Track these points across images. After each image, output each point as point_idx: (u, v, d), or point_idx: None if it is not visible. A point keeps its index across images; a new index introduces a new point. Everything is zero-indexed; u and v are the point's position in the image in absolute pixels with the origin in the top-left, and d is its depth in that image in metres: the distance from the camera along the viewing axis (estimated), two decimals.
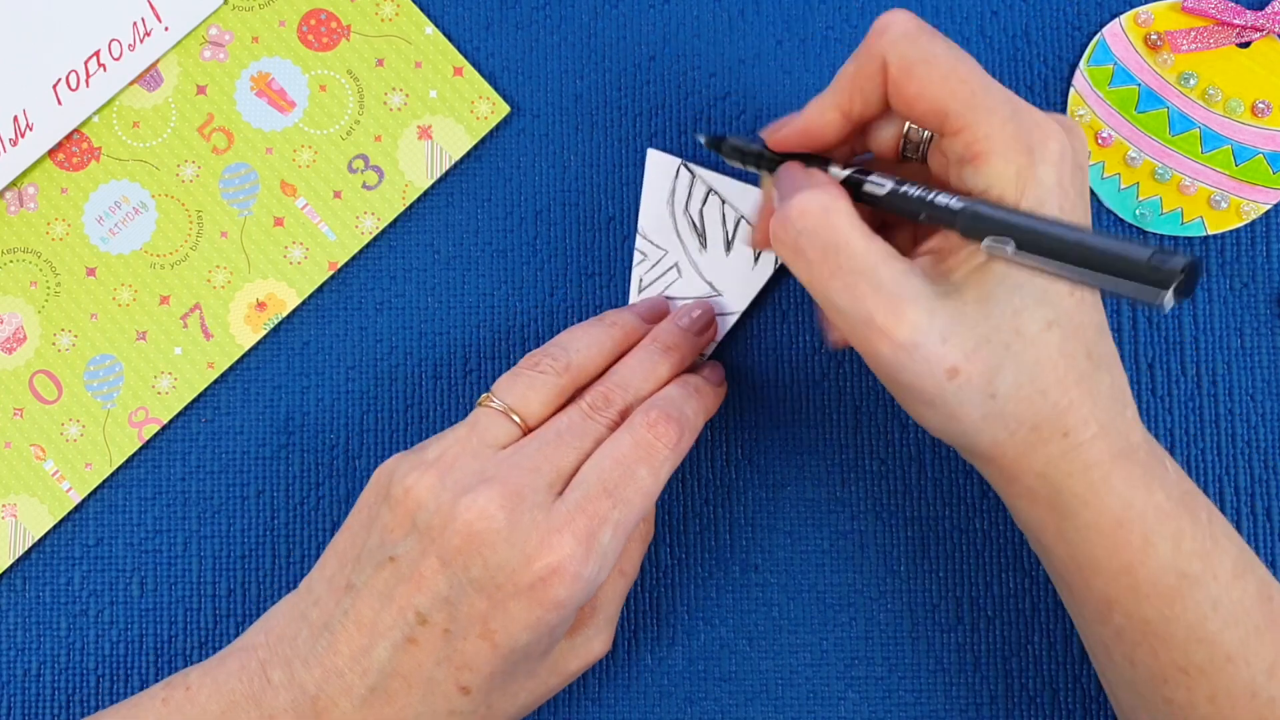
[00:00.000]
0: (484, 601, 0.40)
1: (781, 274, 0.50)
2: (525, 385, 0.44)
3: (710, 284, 0.49)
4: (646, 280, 0.49)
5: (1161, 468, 0.41)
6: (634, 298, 0.49)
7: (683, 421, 0.43)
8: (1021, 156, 0.38)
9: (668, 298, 0.49)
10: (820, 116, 0.42)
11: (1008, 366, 0.38)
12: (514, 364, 0.50)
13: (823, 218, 0.39)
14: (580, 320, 0.50)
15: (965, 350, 0.38)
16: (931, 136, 0.42)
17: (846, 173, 0.42)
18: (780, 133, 0.43)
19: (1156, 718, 0.42)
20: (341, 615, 0.42)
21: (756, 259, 0.49)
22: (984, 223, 0.37)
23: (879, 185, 0.41)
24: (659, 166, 0.50)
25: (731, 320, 0.49)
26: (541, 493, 0.41)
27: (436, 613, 0.41)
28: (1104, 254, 0.34)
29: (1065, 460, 0.40)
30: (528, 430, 0.43)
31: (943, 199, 0.39)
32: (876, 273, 0.38)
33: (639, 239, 0.50)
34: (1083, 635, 0.44)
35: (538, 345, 0.50)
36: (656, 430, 0.42)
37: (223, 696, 0.42)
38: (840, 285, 0.39)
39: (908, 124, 0.42)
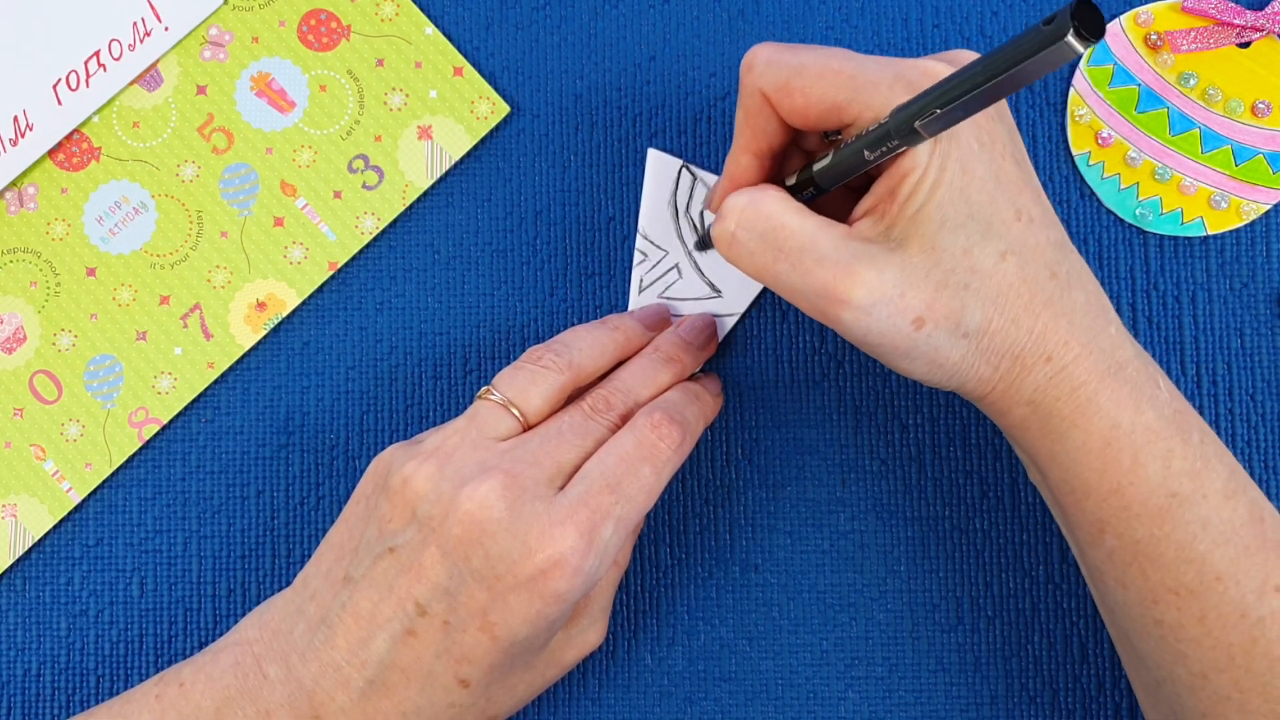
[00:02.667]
0: (484, 593, 0.40)
1: None
2: (526, 379, 0.44)
3: (710, 284, 0.49)
4: (647, 280, 0.49)
5: (1153, 386, 0.41)
6: (634, 297, 0.49)
7: (685, 425, 0.43)
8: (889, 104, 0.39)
9: (668, 299, 0.49)
10: (738, 167, 0.43)
11: (972, 304, 0.39)
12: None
13: (752, 207, 0.40)
14: (580, 320, 0.50)
15: (925, 299, 0.39)
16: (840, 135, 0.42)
17: (794, 176, 0.43)
18: (714, 199, 0.45)
19: (1148, 641, 0.42)
20: (339, 608, 0.41)
21: None
22: (907, 111, 0.37)
23: (824, 158, 0.42)
24: (660, 167, 0.50)
25: (732, 321, 0.49)
26: (543, 486, 0.41)
27: (436, 604, 0.40)
28: (1007, 52, 0.34)
29: (1052, 385, 0.40)
30: (527, 426, 0.43)
31: (871, 127, 0.39)
32: (818, 244, 0.39)
33: (639, 239, 0.50)
34: (1079, 562, 0.44)
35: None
36: (660, 431, 0.42)
37: (217, 692, 0.42)
38: (787, 266, 0.39)
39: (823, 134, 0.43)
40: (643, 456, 0.42)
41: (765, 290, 0.50)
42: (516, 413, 0.43)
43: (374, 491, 0.43)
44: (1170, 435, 0.40)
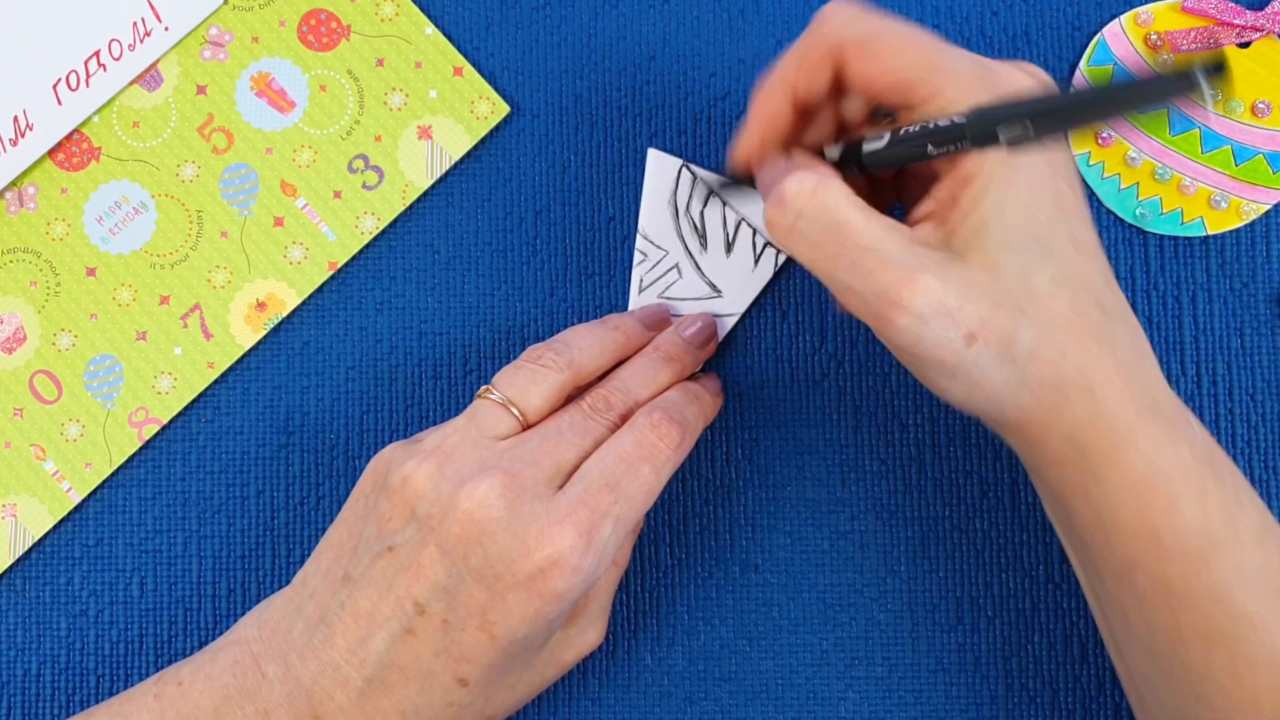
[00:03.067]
0: (483, 592, 0.40)
1: (782, 274, 0.50)
2: (526, 378, 0.44)
3: (711, 284, 0.49)
4: (647, 280, 0.49)
5: (1186, 424, 0.40)
6: (634, 298, 0.49)
7: (684, 424, 0.43)
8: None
9: (667, 299, 0.49)
10: (770, 110, 0.42)
11: (1024, 328, 0.38)
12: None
13: (817, 198, 0.39)
14: (580, 320, 0.50)
15: (981, 315, 0.38)
16: (894, 114, 0.42)
17: (839, 147, 0.42)
18: (736, 154, 0.43)
19: (1170, 683, 0.41)
20: (338, 607, 0.41)
21: (757, 260, 0.49)
22: (991, 114, 0.36)
23: (878, 139, 0.40)
24: (660, 167, 0.50)
25: (732, 321, 0.49)
26: (542, 485, 0.41)
27: (435, 603, 0.40)
28: (1125, 92, 0.33)
29: (1092, 420, 0.39)
30: (526, 425, 0.43)
31: (943, 121, 0.38)
32: (882, 246, 0.38)
33: (639, 239, 0.50)
34: (1098, 603, 0.43)
35: None
36: (660, 430, 0.42)
37: (216, 691, 0.42)
38: (847, 263, 0.38)
39: (874, 107, 0.42)
40: (642, 456, 0.42)
41: (765, 290, 0.50)
42: (516, 412, 0.43)
43: (373, 490, 0.43)
44: (1205, 475, 0.39)
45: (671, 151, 0.50)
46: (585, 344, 0.45)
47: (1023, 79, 0.39)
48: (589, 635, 0.45)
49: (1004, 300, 0.38)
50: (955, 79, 0.38)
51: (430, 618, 0.41)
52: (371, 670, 0.41)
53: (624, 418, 0.44)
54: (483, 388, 0.44)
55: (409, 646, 0.41)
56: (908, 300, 0.38)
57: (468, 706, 0.42)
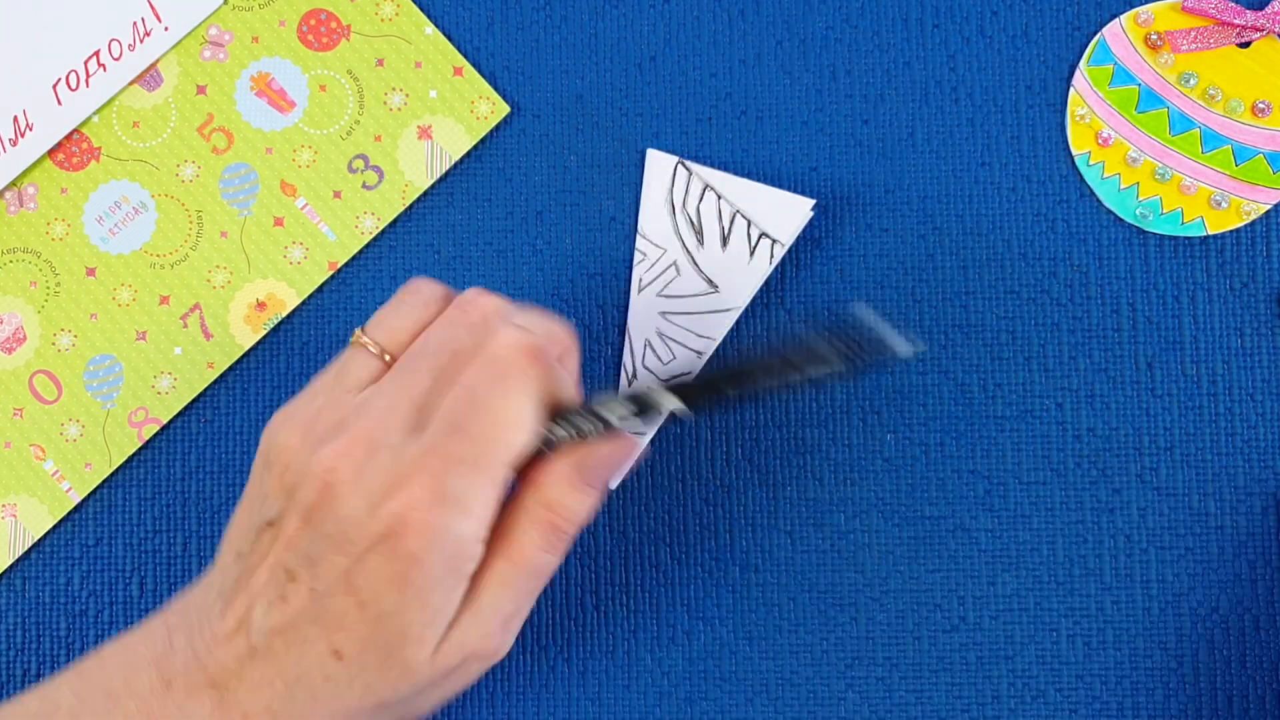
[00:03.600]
0: (341, 557, 0.39)
1: (780, 269, 0.50)
2: (390, 313, 0.43)
3: (708, 280, 0.49)
4: (646, 279, 0.49)
5: None
6: (634, 297, 0.49)
7: (546, 344, 0.41)
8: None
9: (667, 296, 0.49)
10: None
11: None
12: None
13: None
14: (580, 321, 0.50)
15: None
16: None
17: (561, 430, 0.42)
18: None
19: None
20: (233, 583, 0.41)
21: (752, 252, 0.49)
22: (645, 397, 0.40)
23: (554, 431, 0.41)
24: (658, 165, 0.50)
25: (733, 316, 0.49)
26: (397, 434, 0.39)
27: (303, 570, 0.40)
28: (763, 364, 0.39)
29: None
30: (390, 362, 0.42)
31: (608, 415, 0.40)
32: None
33: (639, 239, 0.50)
34: None
35: None
36: (509, 349, 0.40)
37: (129, 661, 0.42)
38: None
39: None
40: (491, 378, 0.39)
41: (765, 286, 0.50)
42: (375, 349, 0.42)
43: (261, 465, 0.42)
44: None
45: (672, 152, 0.50)
46: (449, 287, 0.44)
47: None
48: (470, 638, 0.40)
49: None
50: None
51: (299, 585, 0.40)
52: (257, 638, 0.41)
53: (485, 319, 0.41)
54: (356, 330, 0.43)
55: (283, 613, 0.40)
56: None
57: (346, 685, 0.40)
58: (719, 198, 0.49)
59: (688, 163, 0.49)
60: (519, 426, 0.40)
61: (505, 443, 0.39)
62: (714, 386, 0.40)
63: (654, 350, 0.49)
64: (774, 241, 0.49)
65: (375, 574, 0.39)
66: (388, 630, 0.40)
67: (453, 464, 0.38)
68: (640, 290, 0.50)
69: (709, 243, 0.49)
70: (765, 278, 0.49)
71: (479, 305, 0.42)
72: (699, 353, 0.49)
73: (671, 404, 0.40)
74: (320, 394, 0.42)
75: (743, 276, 0.49)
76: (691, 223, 0.49)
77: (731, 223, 0.49)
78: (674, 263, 0.49)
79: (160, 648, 0.42)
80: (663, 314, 0.50)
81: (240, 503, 0.43)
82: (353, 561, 0.39)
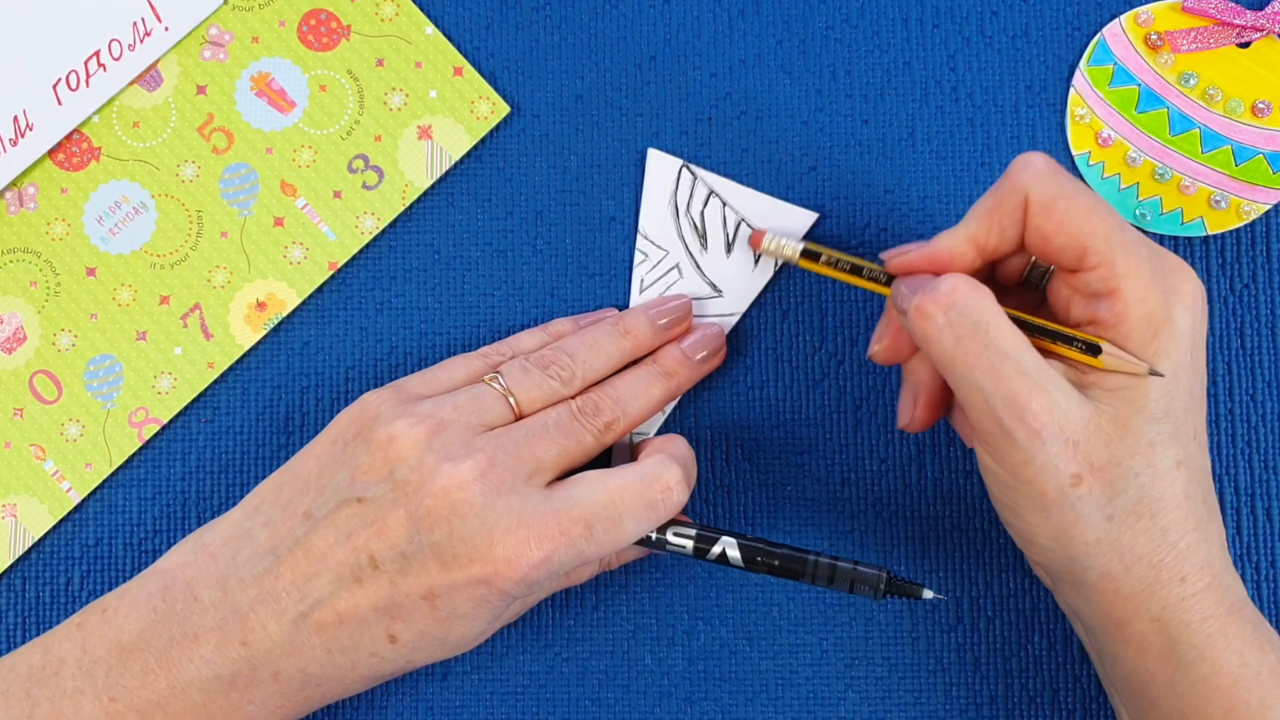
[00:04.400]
0: (437, 567, 0.41)
1: (781, 275, 0.50)
2: (533, 384, 0.45)
3: (712, 284, 0.49)
4: (648, 280, 0.49)
5: (1268, 629, 0.41)
6: (634, 298, 0.49)
7: (689, 488, 0.44)
8: (1156, 296, 0.39)
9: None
10: (953, 248, 0.42)
11: (1131, 491, 0.39)
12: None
13: (975, 298, 0.39)
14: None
15: (1095, 461, 0.39)
16: (1051, 270, 0.43)
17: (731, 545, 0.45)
18: (905, 257, 0.43)
19: None
20: (292, 542, 0.42)
21: (757, 260, 0.49)
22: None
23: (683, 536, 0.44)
24: (660, 167, 0.50)
25: (733, 321, 0.49)
26: (520, 480, 0.42)
27: (389, 563, 0.41)
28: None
29: (1182, 607, 0.39)
30: (518, 417, 0.44)
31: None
32: (1022, 358, 0.39)
33: (640, 239, 0.50)
34: None
35: None
36: (670, 494, 0.43)
37: (141, 615, 0.43)
38: (985, 364, 0.39)
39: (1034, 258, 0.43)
40: (634, 509, 0.42)
41: (765, 290, 0.50)
42: (513, 403, 0.44)
43: (354, 437, 0.43)
44: None
45: (672, 152, 0.50)
46: (592, 357, 0.46)
47: (1190, 277, 0.40)
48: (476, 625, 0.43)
49: (1123, 459, 0.39)
50: (1127, 258, 0.39)
51: (380, 574, 0.41)
52: (308, 606, 0.41)
53: (609, 425, 0.45)
54: (491, 373, 0.45)
55: (352, 595, 0.41)
56: (1034, 411, 0.38)
57: (390, 661, 0.43)
58: (724, 204, 0.49)
59: (693, 167, 0.49)
60: (629, 544, 0.43)
61: (617, 548, 0.42)
62: (768, 557, 0.44)
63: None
64: None
65: (459, 590, 0.41)
66: (450, 630, 0.42)
67: (569, 545, 0.41)
68: (642, 291, 0.50)
69: (713, 248, 0.49)
70: (767, 285, 0.49)
71: (613, 405, 0.45)
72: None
73: (731, 550, 0.44)
74: (451, 410, 0.43)
75: (746, 282, 0.49)
76: (695, 227, 0.49)
77: (736, 230, 0.49)
78: (676, 265, 0.49)
79: (181, 603, 0.42)
80: None
81: (307, 459, 0.44)
82: (447, 577, 0.41)
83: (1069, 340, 0.41)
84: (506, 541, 0.40)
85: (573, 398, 0.45)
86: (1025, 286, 0.44)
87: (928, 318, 0.40)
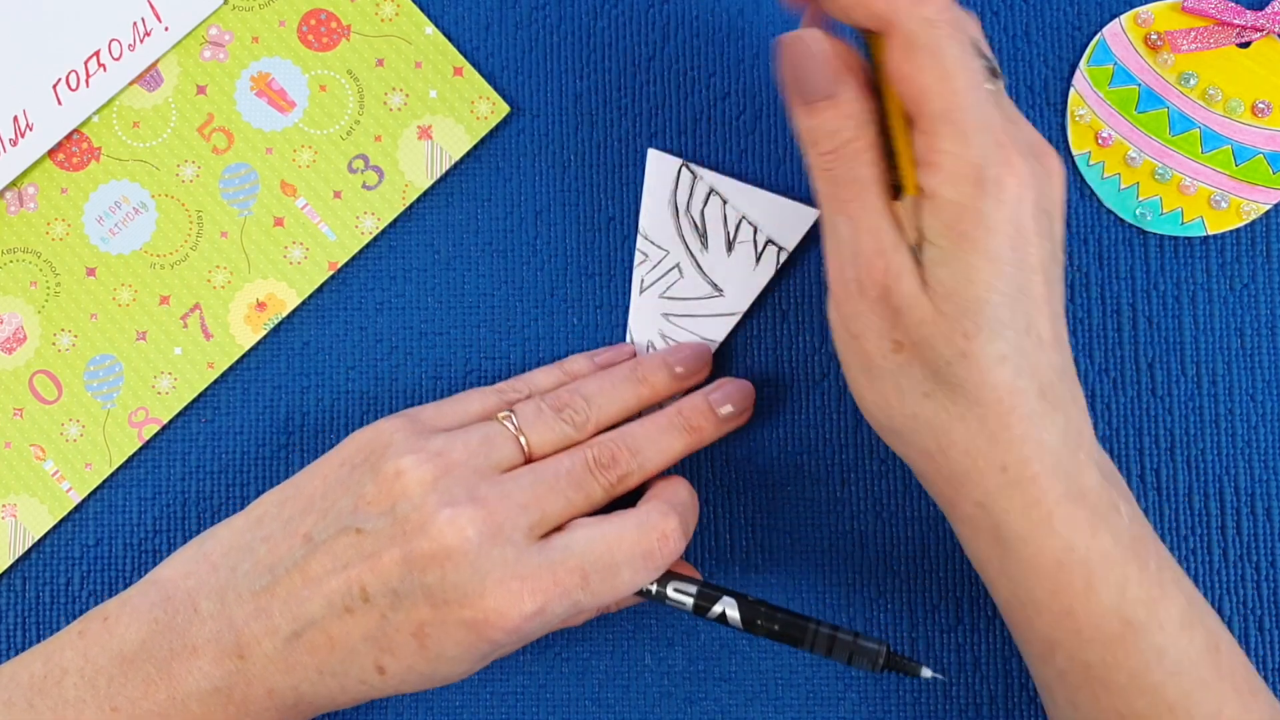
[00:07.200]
0: (428, 609, 0.41)
1: (782, 274, 0.50)
2: (545, 426, 0.44)
3: (712, 284, 0.49)
4: (648, 281, 0.49)
5: (1114, 512, 0.40)
6: (635, 298, 0.49)
7: (687, 535, 0.44)
8: (967, 186, 0.38)
9: (669, 298, 0.49)
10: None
11: (946, 376, 0.39)
12: (514, 365, 0.50)
13: (860, 141, 0.40)
14: (580, 318, 0.50)
15: (911, 335, 0.39)
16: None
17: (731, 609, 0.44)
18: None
19: None
20: (291, 563, 0.42)
21: (758, 259, 0.49)
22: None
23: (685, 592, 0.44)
24: (660, 166, 0.50)
25: (734, 321, 0.49)
26: (521, 531, 0.41)
27: (381, 598, 0.41)
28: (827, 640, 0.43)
29: (1003, 495, 0.39)
30: (529, 459, 0.44)
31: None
32: (886, 226, 0.39)
33: (640, 239, 0.50)
34: (1031, 674, 0.44)
35: (538, 346, 0.50)
36: (666, 543, 0.43)
37: (143, 625, 0.43)
38: (852, 216, 0.40)
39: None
40: (632, 559, 0.42)
41: (767, 289, 0.50)
42: (525, 445, 0.44)
43: (363, 463, 0.43)
44: (1127, 562, 0.40)
45: (671, 151, 0.50)
46: (608, 403, 0.46)
47: (1018, 170, 0.39)
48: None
49: (936, 341, 0.39)
50: (953, 138, 0.38)
51: (371, 608, 0.41)
52: (300, 626, 0.42)
53: (622, 479, 0.44)
54: (503, 412, 0.45)
55: (343, 623, 0.41)
56: (876, 267, 0.39)
57: (378, 689, 0.43)
58: (724, 202, 0.49)
59: (693, 166, 0.49)
60: (628, 595, 0.43)
61: (614, 598, 0.42)
62: (768, 621, 0.44)
63: (656, 351, 0.50)
64: (780, 249, 0.49)
65: (449, 633, 0.41)
66: (438, 667, 0.42)
67: (565, 597, 0.41)
68: (642, 291, 0.50)
69: (713, 246, 0.49)
70: (768, 283, 0.49)
71: (630, 457, 0.45)
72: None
73: (731, 610, 0.44)
74: (462, 449, 0.43)
75: (747, 281, 0.49)
76: (696, 226, 0.49)
77: (737, 228, 0.49)
78: (677, 264, 0.49)
79: (182, 614, 0.42)
80: (665, 315, 0.50)
81: (314, 476, 0.44)
82: (437, 619, 0.41)
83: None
84: (498, 592, 0.40)
85: (585, 441, 0.45)
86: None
87: (818, 143, 0.40)
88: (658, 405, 0.48)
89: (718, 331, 0.49)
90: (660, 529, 0.42)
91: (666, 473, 0.46)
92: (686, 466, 0.50)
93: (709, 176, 0.49)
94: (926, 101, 0.39)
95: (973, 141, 0.39)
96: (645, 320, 0.50)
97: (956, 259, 0.39)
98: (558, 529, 0.43)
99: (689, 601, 0.44)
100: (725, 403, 0.47)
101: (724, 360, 0.50)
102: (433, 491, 0.41)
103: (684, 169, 0.50)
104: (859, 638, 0.43)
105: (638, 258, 0.50)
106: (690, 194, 0.49)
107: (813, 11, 0.43)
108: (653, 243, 0.50)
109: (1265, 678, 0.48)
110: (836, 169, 0.40)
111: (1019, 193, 0.39)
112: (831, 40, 0.41)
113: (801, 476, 0.50)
